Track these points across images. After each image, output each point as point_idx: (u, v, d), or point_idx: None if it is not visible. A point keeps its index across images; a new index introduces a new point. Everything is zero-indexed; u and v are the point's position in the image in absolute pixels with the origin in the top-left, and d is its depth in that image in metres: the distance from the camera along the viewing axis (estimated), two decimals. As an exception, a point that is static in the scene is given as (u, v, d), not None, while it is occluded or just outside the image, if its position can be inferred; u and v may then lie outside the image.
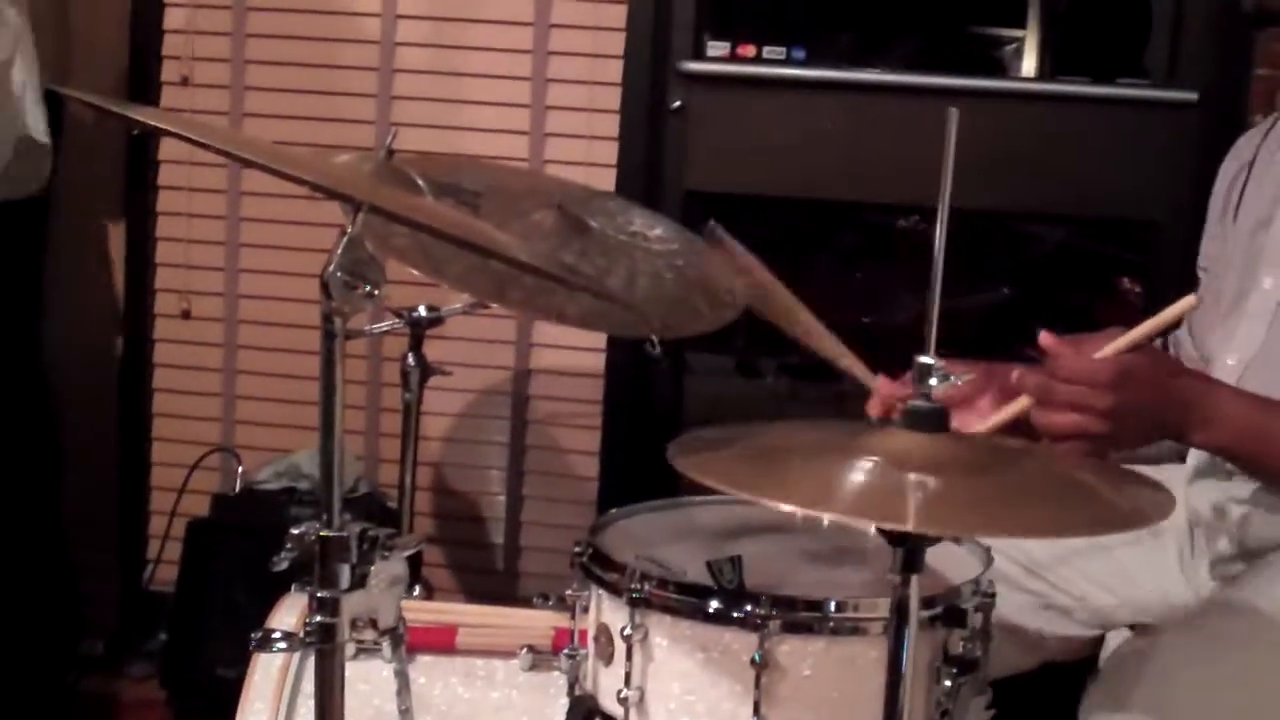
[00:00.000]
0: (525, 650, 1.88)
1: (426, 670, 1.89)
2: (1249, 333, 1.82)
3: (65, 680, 3.05)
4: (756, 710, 1.47)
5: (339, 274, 1.42)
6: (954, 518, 1.29)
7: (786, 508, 1.27)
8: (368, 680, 1.84)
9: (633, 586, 1.53)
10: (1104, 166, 2.90)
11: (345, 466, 2.87)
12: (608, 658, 1.57)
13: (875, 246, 3.61)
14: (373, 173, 1.40)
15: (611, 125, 2.95)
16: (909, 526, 1.27)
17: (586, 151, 2.96)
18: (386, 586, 1.53)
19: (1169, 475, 1.82)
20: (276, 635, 1.57)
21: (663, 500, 1.80)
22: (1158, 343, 1.90)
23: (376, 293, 1.43)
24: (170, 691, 2.90)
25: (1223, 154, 2.05)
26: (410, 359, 2.35)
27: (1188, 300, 1.69)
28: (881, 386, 1.84)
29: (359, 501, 2.89)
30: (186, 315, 3.14)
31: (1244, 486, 1.79)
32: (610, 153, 2.95)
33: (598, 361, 3.03)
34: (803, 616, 1.48)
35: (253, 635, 1.79)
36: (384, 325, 2.38)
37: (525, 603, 1.92)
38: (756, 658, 1.46)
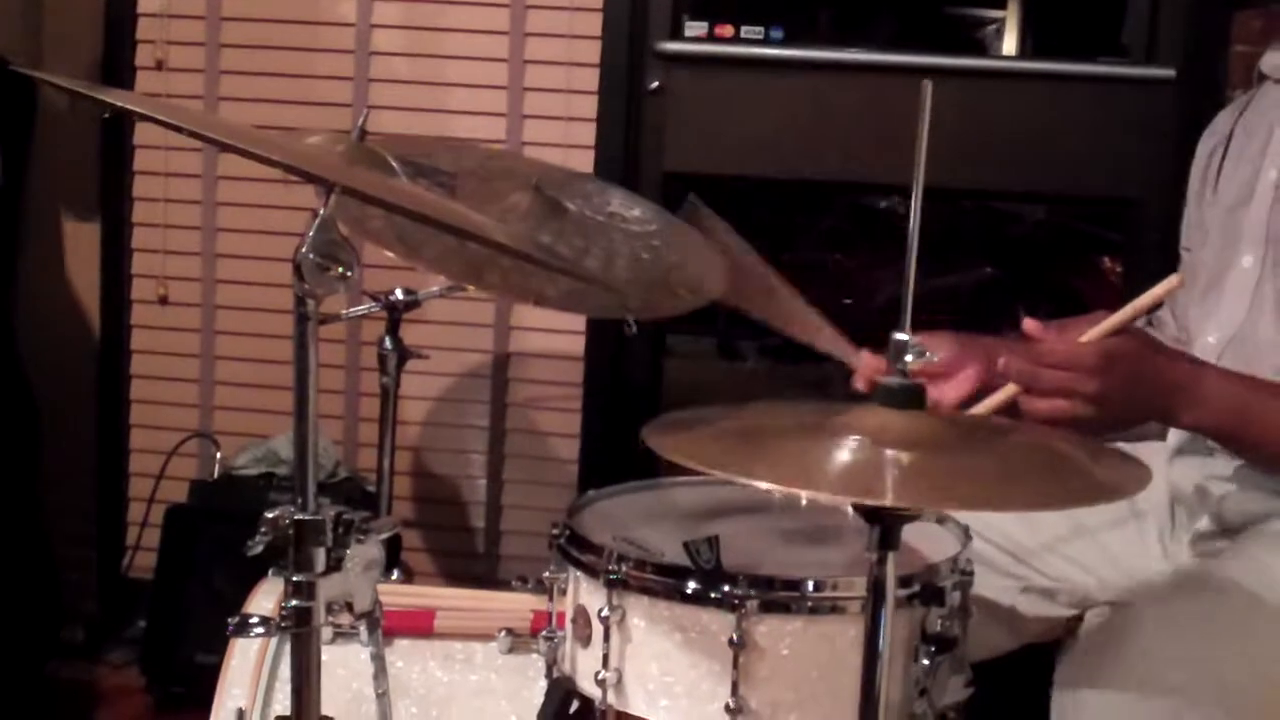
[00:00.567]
0: (504, 633, 1.87)
1: (405, 654, 1.89)
2: (1229, 310, 1.82)
3: (45, 668, 3.04)
4: (735, 690, 1.46)
5: (311, 256, 1.41)
6: (930, 494, 1.29)
7: (762, 486, 1.26)
8: (345, 664, 1.83)
9: (610, 568, 1.52)
10: (1083, 145, 2.89)
11: (323, 451, 2.89)
12: (585, 639, 1.56)
13: (856, 227, 3.61)
14: (345, 154, 1.38)
15: (589, 106, 2.94)
16: (885, 502, 1.27)
17: (564, 133, 2.95)
18: (362, 570, 1.52)
19: (1150, 453, 1.83)
20: (253, 620, 1.56)
21: (640, 481, 1.80)
22: (1140, 321, 1.90)
23: (349, 275, 1.42)
24: (150, 678, 2.89)
25: (1201, 131, 2.05)
26: (387, 343, 2.34)
27: (1170, 281, 1.69)
28: (866, 360, 1.84)
29: (338, 486, 2.88)
30: (164, 301, 3.13)
31: (1225, 464, 1.79)
32: (588, 134, 2.94)
33: (577, 344, 3.02)
34: (780, 596, 1.48)
35: (230, 620, 1.78)
36: (360, 309, 2.37)
37: (504, 585, 1.91)
38: (734, 638, 1.46)
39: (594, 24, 2.91)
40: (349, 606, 1.52)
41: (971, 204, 3.38)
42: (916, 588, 1.50)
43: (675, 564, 1.51)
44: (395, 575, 2.31)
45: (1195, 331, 1.86)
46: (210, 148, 2.89)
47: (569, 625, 1.61)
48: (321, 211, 1.41)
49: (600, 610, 1.53)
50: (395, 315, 2.33)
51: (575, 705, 1.61)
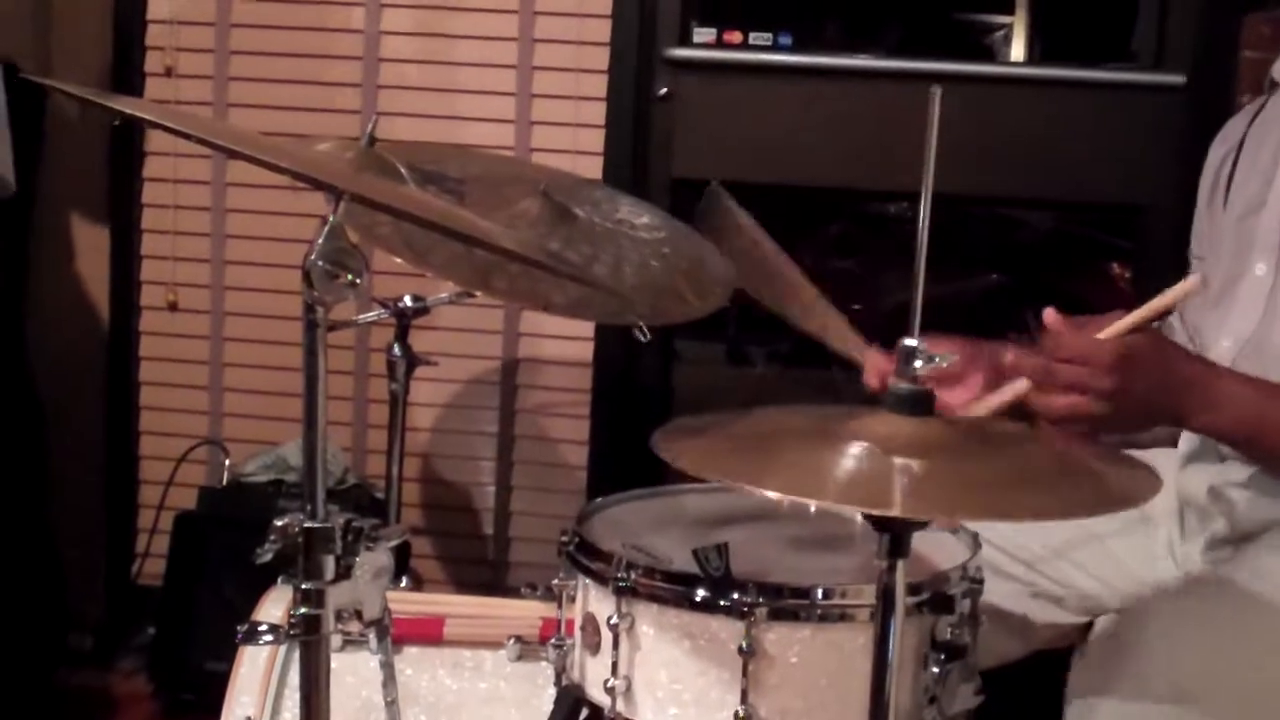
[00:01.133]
0: (513, 641, 1.87)
1: (414, 661, 1.89)
2: (1243, 318, 1.81)
3: (53, 675, 3.04)
4: (744, 698, 1.46)
5: (321, 263, 1.41)
6: (939, 502, 1.29)
7: (771, 494, 1.26)
8: (355, 672, 1.84)
9: (619, 575, 1.52)
10: (1092, 151, 2.89)
11: (331, 458, 2.89)
12: (594, 647, 1.56)
13: (865, 233, 3.60)
14: (354, 161, 1.38)
15: (598, 113, 2.94)
16: (894, 512, 1.27)
17: (573, 139, 2.95)
18: (371, 578, 1.52)
19: (1161, 459, 1.83)
20: (263, 628, 1.56)
21: (649, 488, 1.79)
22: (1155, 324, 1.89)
23: (359, 282, 1.42)
24: (158, 685, 2.89)
25: (1211, 137, 2.04)
26: (396, 349, 2.34)
27: (1191, 282, 1.69)
28: (874, 357, 1.84)
29: (347, 493, 2.88)
30: (173, 308, 3.13)
31: (1238, 469, 1.78)
32: (597, 140, 2.94)
33: (585, 351, 3.02)
34: (789, 604, 1.47)
35: (239, 628, 1.78)
36: (370, 316, 2.38)
37: (513, 593, 1.91)
38: (744, 645, 1.45)
39: (603, 31, 2.92)
40: (358, 614, 1.52)
41: (980, 210, 3.37)
42: (926, 595, 1.50)
43: (684, 571, 1.51)
44: (404, 583, 2.31)
45: (1208, 339, 1.85)
46: (219, 154, 2.89)
47: (578, 633, 1.60)
48: (330, 218, 1.41)
49: (609, 618, 1.52)
50: (404, 322, 2.33)
51: (584, 713, 1.61)
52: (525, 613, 1.89)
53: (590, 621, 1.57)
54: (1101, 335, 1.62)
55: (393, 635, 1.89)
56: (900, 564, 1.31)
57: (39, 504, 3.08)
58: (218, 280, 3.10)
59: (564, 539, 1.62)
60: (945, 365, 1.29)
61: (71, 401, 3.15)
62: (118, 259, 3.13)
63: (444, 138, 2.94)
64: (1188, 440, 1.86)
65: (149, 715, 2.91)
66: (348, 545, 1.49)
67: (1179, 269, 2.04)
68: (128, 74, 3.04)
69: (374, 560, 1.52)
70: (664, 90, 2.91)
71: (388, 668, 1.61)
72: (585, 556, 1.58)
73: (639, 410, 3.00)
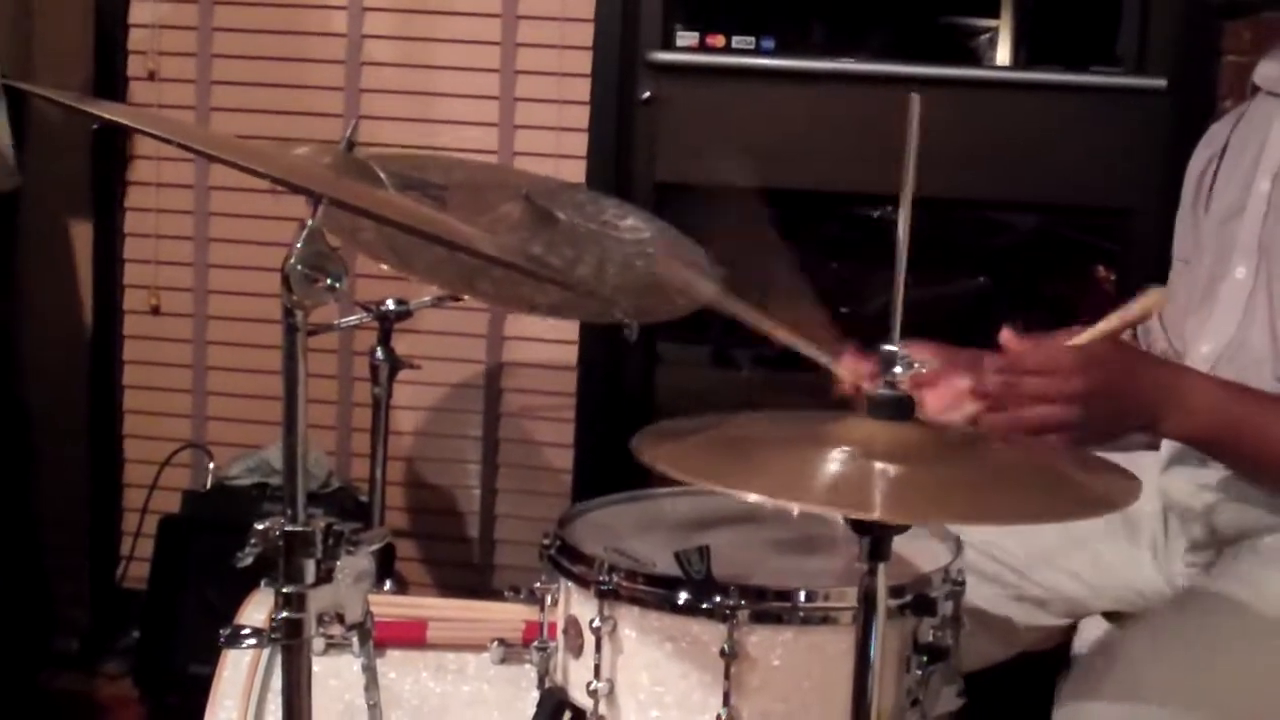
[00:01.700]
0: (496, 644, 1.87)
1: (397, 665, 1.88)
2: (1222, 322, 1.81)
3: (38, 678, 3.03)
4: (726, 700, 1.46)
5: (300, 267, 1.41)
6: (920, 506, 1.29)
7: (751, 497, 1.26)
8: (338, 675, 1.83)
9: (601, 578, 1.52)
10: (1076, 154, 2.90)
11: (316, 462, 2.88)
12: (577, 650, 1.56)
13: (851, 236, 3.61)
14: (333, 165, 1.38)
15: (581, 117, 2.94)
16: (874, 516, 1.27)
17: (556, 143, 2.95)
18: (353, 581, 1.52)
19: (1143, 463, 1.83)
20: (245, 632, 1.56)
21: (632, 492, 1.79)
22: (1128, 334, 1.90)
23: (338, 286, 1.42)
24: (143, 689, 2.88)
25: (1193, 140, 2.05)
26: (379, 353, 2.34)
27: (1156, 297, 1.69)
28: (847, 363, 1.85)
29: (331, 497, 2.88)
30: (156, 311, 3.12)
31: (1218, 475, 1.79)
32: (580, 144, 2.94)
33: (570, 354, 3.02)
34: (771, 606, 1.48)
35: (221, 632, 1.77)
36: (352, 319, 2.37)
37: (497, 596, 1.91)
38: (725, 648, 1.46)
39: (585, 34, 2.92)
40: (340, 618, 1.52)
41: (967, 214, 3.38)
42: (908, 598, 1.50)
43: (666, 574, 1.51)
44: (388, 586, 2.31)
45: (1189, 344, 1.86)
46: (202, 159, 2.89)
47: (560, 636, 1.60)
48: (309, 222, 1.42)
49: (592, 621, 1.53)
50: (387, 326, 2.33)
51: (567, 716, 1.61)
52: (509, 616, 1.89)
53: (573, 624, 1.57)
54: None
55: (376, 638, 1.90)
56: (881, 567, 1.31)
57: (23, 508, 3.07)
58: (201, 284, 3.10)
59: (546, 542, 1.62)
60: (925, 370, 1.29)
61: (56, 405, 3.15)
62: (101, 263, 3.13)
63: (426, 142, 2.93)
64: (1169, 445, 1.87)
65: (134, 718, 2.90)
66: (329, 549, 1.48)
67: (1163, 272, 2.05)
68: (110, 78, 3.04)
69: (355, 564, 1.52)
70: (647, 94, 2.91)
71: (370, 671, 1.61)
72: (567, 560, 1.58)
73: (623, 413, 3.00)
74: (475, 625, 1.92)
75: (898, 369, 1.31)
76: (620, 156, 2.94)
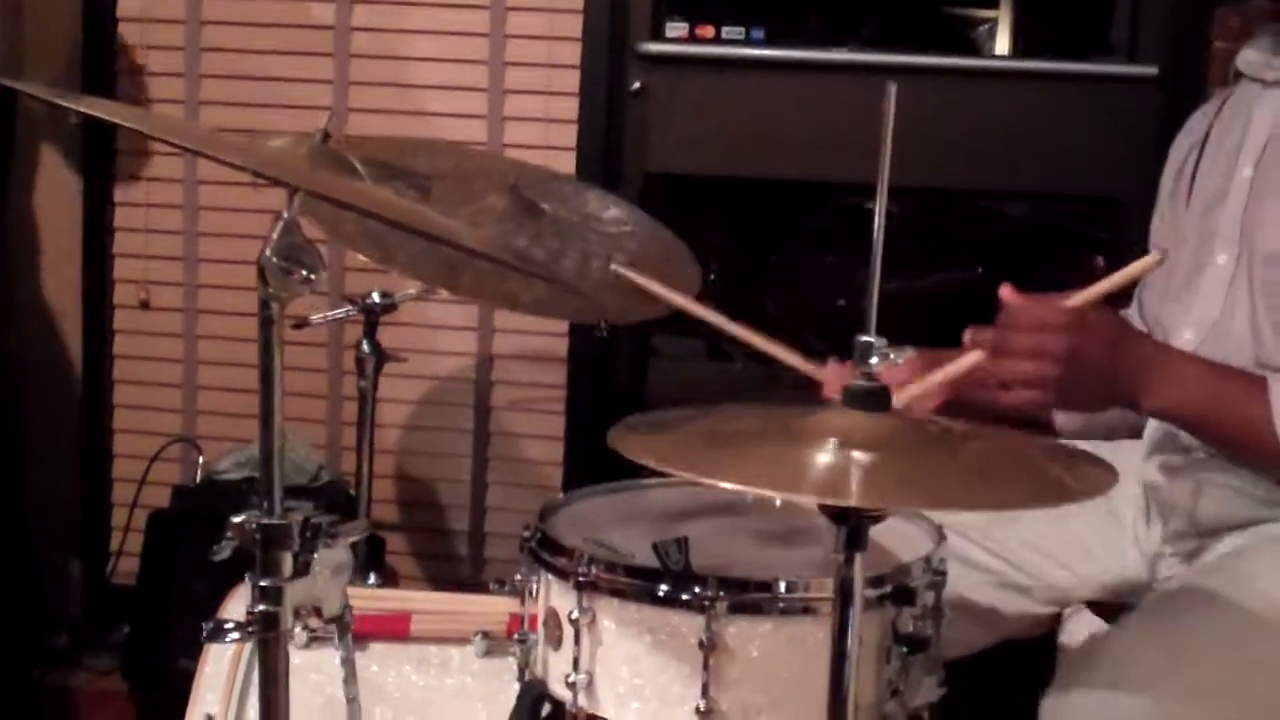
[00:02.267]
0: (479, 636, 1.87)
1: (380, 658, 1.88)
2: (1204, 308, 1.81)
3: (29, 674, 3.03)
4: (705, 692, 1.46)
5: (275, 259, 1.41)
6: (895, 493, 1.28)
7: (725, 486, 1.25)
8: (319, 669, 1.83)
9: (579, 570, 1.51)
10: (1068, 143, 2.89)
11: (304, 455, 2.87)
12: (556, 642, 1.56)
13: (848, 228, 3.60)
14: (309, 156, 1.37)
15: (571, 108, 2.93)
16: (850, 502, 1.26)
17: (545, 135, 2.94)
18: (331, 574, 1.51)
19: (1125, 450, 1.83)
20: (227, 625, 1.55)
21: (615, 483, 1.79)
22: None
23: (313, 278, 1.42)
24: (132, 684, 2.87)
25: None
26: (365, 346, 2.33)
27: (1148, 259, 1.69)
28: (832, 371, 1.85)
29: (321, 490, 2.87)
30: (145, 306, 3.12)
31: (1200, 462, 1.78)
32: (569, 136, 2.93)
33: (560, 346, 3.01)
34: (750, 598, 1.47)
35: (204, 625, 1.77)
36: (338, 313, 2.37)
37: (483, 588, 1.91)
38: (704, 640, 1.45)
39: (574, 26, 2.91)
40: (317, 611, 1.52)
41: (962, 203, 3.37)
42: (888, 588, 1.50)
43: (645, 566, 1.51)
44: (372, 579, 2.30)
45: (1170, 329, 1.85)
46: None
47: (540, 628, 1.60)
48: (285, 214, 1.41)
49: (570, 613, 1.52)
50: (372, 318, 2.32)
51: (547, 708, 1.60)
52: (492, 608, 1.89)
53: (552, 617, 1.57)
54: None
55: (359, 632, 1.90)
56: (858, 557, 1.30)
57: (14, 503, 3.07)
58: (190, 278, 3.09)
59: (526, 534, 1.62)
60: (900, 361, 1.29)
61: (46, 401, 3.14)
62: (90, 257, 3.12)
63: (416, 133, 2.92)
64: (1151, 431, 1.86)
65: (123, 714, 2.89)
66: (306, 541, 1.48)
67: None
68: (99, 72, 3.03)
69: (333, 557, 1.51)
70: (637, 85, 2.90)
71: (349, 665, 1.61)
72: (547, 552, 1.58)
73: (614, 406, 2.99)
74: (459, 618, 1.91)
75: (873, 360, 1.30)
76: (610, 148, 2.93)
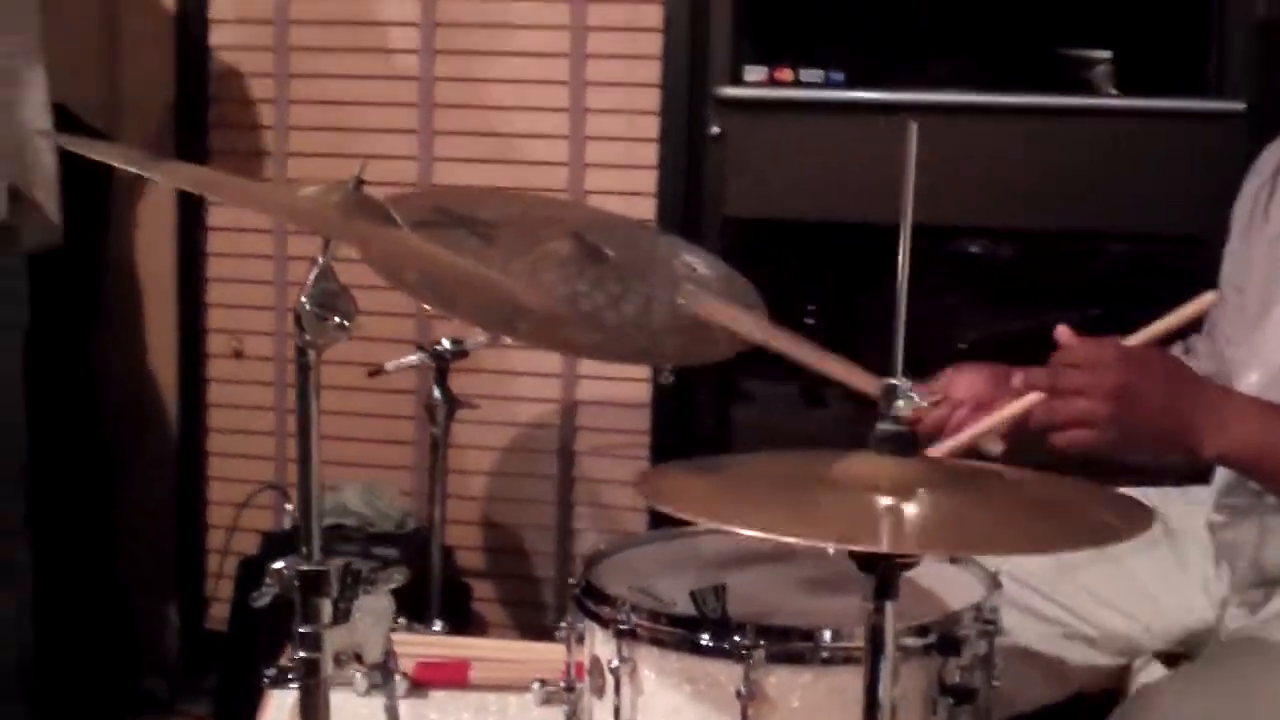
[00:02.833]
0: (537, 685, 1.86)
1: (440, 706, 1.88)
2: (1273, 349, 1.75)
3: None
4: (744, 743, 1.43)
5: (310, 306, 1.42)
6: (924, 538, 1.26)
7: (750, 534, 1.23)
8: (377, 716, 1.83)
9: (620, 618, 1.50)
10: (1158, 181, 2.83)
11: (389, 503, 2.88)
12: (600, 691, 1.54)
13: (941, 270, 3.55)
14: (341, 205, 1.38)
15: (650, 154, 2.93)
16: (881, 548, 1.24)
17: (625, 181, 2.94)
18: (372, 621, 1.52)
19: (1193, 493, 1.77)
20: (280, 672, 1.57)
21: (666, 530, 1.78)
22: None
23: (348, 325, 1.43)
24: (225, 729, 2.91)
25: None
26: (436, 393, 2.34)
27: (1205, 298, 1.65)
28: None
29: (406, 538, 2.88)
30: (239, 355, 3.17)
31: (1267, 508, 1.72)
32: (650, 181, 2.94)
33: (643, 392, 3.01)
34: (789, 646, 1.45)
35: (265, 673, 1.79)
36: (410, 359, 2.38)
37: (548, 635, 1.90)
38: (742, 689, 1.43)
39: (653, 72, 2.91)
40: (358, 657, 1.52)
41: (1074, 244, 3.31)
42: (933, 637, 1.47)
43: (684, 614, 1.49)
44: (438, 626, 2.30)
45: (1237, 370, 1.79)
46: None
47: (586, 677, 1.59)
48: (320, 261, 1.43)
49: (611, 662, 1.51)
50: (443, 365, 2.33)
51: (592, 758, 1.59)
52: (551, 656, 1.87)
53: (596, 665, 1.56)
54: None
55: (419, 678, 1.91)
56: (889, 605, 1.28)
57: (110, 549, 3.14)
58: (281, 327, 3.14)
59: (571, 582, 1.61)
60: (926, 404, 1.26)
61: (142, 449, 3.21)
62: (184, 307, 3.19)
63: (498, 182, 2.94)
64: (1219, 479, 1.80)
65: (215, 759, 2.94)
66: (346, 588, 1.49)
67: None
68: (191, 125, 3.10)
69: (374, 603, 1.52)
70: (716, 130, 2.89)
71: (391, 711, 1.61)
72: (591, 600, 1.57)
73: (698, 452, 2.97)
74: (518, 666, 1.91)
75: (901, 403, 1.28)
76: (689, 193, 2.93)
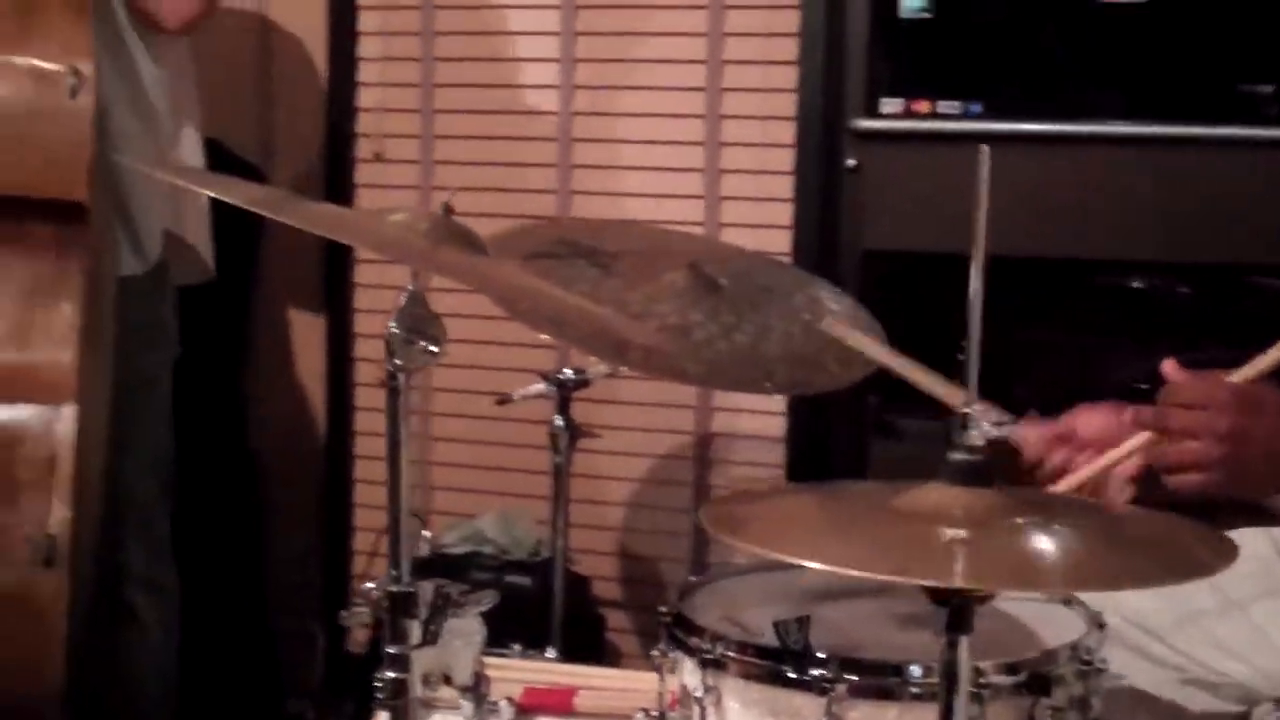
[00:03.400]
0: (641, 714, 1.86)
1: (543, 732, 1.89)
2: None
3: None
4: (825, 777, 1.42)
5: (399, 331, 1.45)
6: (1000, 574, 1.23)
7: (811, 566, 1.22)
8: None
9: (705, 648, 1.50)
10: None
11: (523, 531, 2.92)
12: (687, 720, 1.54)
13: (1103, 307, 3.47)
14: (430, 233, 1.41)
15: (786, 187, 2.92)
16: (954, 583, 1.21)
17: (761, 214, 2.94)
18: (462, 643, 1.54)
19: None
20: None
21: (766, 560, 1.76)
22: None
23: (435, 350, 1.46)
24: (365, 753, 2.96)
25: None
26: (558, 421, 2.37)
27: None
28: (1028, 430, 1.79)
29: (540, 566, 2.90)
30: (384, 384, 3.22)
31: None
32: (785, 214, 2.93)
33: (778, 425, 2.99)
34: (873, 680, 1.43)
35: (376, 691, 1.82)
36: (535, 388, 2.41)
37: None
38: (823, 723, 1.41)
39: (789, 105, 2.90)
40: (447, 679, 1.54)
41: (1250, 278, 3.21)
42: (1023, 676, 1.43)
43: (767, 645, 1.48)
44: (551, 653, 2.32)
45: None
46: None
47: (678, 707, 1.58)
48: (410, 287, 1.46)
49: (697, 691, 1.50)
50: (565, 394, 2.35)
51: (680, 787, 1.58)
52: (656, 685, 1.87)
53: (685, 695, 1.56)
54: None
55: (525, 704, 1.92)
56: (963, 640, 1.25)
57: (259, 574, 3.22)
58: (423, 357, 3.19)
59: (662, 611, 1.61)
60: (1003, 434, 1.24)
61: (289, 475, 3.29)
62: (333, 338, 3.26)
63: (634, 215, 2.97)
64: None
65: (355, 781, 2.98)
66: (436, 610, 1.51)
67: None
68: (339, 160, 3.18)
69: (463, 626, 1.54)
70: (852, 162, 2.88)
71: (484, 734, 1.62)
72: (679, 629, 1.57)
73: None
74: (623, 695, 1.91)
75: (975, 433, 1.25)
76: (825, 226, 2.91)
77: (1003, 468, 1.84)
